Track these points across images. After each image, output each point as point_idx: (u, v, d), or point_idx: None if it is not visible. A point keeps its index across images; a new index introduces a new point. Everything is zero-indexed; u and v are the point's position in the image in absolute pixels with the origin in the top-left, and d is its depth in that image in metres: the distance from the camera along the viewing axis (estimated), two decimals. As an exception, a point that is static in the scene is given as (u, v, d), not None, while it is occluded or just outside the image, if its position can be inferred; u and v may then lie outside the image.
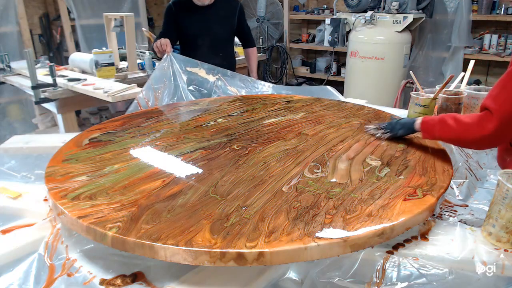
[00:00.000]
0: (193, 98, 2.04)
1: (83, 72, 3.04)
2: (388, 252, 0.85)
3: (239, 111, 1.67)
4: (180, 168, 1.12)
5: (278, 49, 5.05)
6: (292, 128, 1.45)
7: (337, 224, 0.83)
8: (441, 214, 1.03)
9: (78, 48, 4.51)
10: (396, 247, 0.87)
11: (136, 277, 0.83)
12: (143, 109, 1.81)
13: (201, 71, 2.17)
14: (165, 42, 2.26)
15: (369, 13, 3.61)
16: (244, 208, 0.89)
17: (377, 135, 1.32)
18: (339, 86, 4.56)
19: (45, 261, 0.87)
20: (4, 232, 0.98)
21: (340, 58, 4.80)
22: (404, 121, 1.28)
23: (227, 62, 2.59)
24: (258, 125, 1.48)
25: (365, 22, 3.63)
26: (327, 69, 4.82)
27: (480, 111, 1.05)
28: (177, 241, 0.77)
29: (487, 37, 4.02)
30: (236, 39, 2.83)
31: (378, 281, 0.82)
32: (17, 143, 1.50)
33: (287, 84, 5.12)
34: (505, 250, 0.84)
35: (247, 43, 2.75)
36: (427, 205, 0.90)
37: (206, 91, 2.14)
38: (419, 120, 1.21)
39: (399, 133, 1.27)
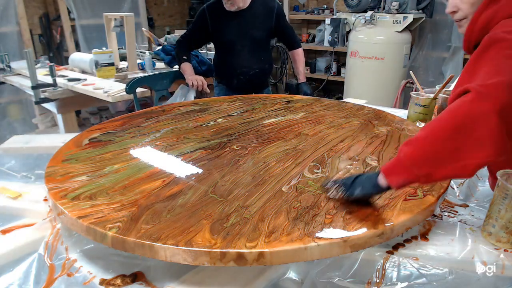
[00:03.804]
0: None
1: (83, 72, 3.04)
2: (388, 252, 0.85)
3: (239, 111, 1.66)
4: (180, 168, 1.12)
5: (278, 49, 5.04)
6: (292, 128, 1.45)
7: (337, 224, 0.83)
8: (441, 214, 1.03)
9: (78, 48, 4.51)
10: (396, 247, 0.87)
11: (136, 277, 0.83)
12: (143, 109, 1.81)
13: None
14: (202, 81, 2.35)
15: (369, 13, 3.61)
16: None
17: (329, 194, 0.93)
18: (339, 86, 4.57)
19: (45, 261, 0.87)
20: (4, 232, 0.98)
21: (340, 58, 4.80)
22: (366, 175, 0.89)
23: (269, 65, 2.54)
24: (258, 125, 1.48)
25: (365, 22, 3.63)
26: (327, 69, 4.82)
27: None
28: (177, 241, 0.77)
29: (487, 37, 4.01)
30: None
31: (378, 281, 0.82)
32: (17, 143, 1.50)
33: (287, 84, 5.12)
34: (505, 250, 0.84)
35: (292, 44, 2.58)
36: (427, 205, 0.90)
37: None
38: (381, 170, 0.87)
39: (356, 193, 0.88)
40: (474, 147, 0.75)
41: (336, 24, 3.88)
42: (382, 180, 0.84)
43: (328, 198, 0.93)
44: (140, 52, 3.44)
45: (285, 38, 2.59)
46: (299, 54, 2.57)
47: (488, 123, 0.74)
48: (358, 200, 0.89)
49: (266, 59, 2.53)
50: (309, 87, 2.54)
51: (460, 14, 1.00)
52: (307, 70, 4.99)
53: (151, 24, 5.35)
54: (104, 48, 2.97)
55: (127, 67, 3.13)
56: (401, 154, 0.82)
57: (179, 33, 3.80)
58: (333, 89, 5.06)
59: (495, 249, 0.85)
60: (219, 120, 1.55)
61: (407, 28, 3.64)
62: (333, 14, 4.25)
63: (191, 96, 2.31)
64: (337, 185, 0.91)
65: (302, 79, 2.55)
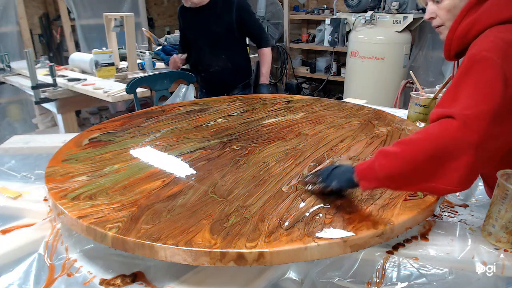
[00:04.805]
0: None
1: (83, 72, 3.04)
2: (388, 252, 0.85)
3: (239, 111, 1.66)
4: (180, 168, 1.12)
5: (278, 49, 5.04)
6: (292, 128, 1.45)
7: (337, 224, 0.83)
8: (441, 214, 1.03)
9: (78, 48, 4.51)
10: (396, 247, 0.87)
11: (136, 277, 0.83)
12: (143, 109, 1.81)
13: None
14: (174, 59, 2.48)
15: (369, 13, 3.61)
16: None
17: (307, 187, 0.97)
18: (339, 86, 4.56)
19: (45, 261, 0.87)
20: (4, 232, 0.98)
21: (340, 58, 4.80)
22: (343, 169, 0.91)
23: (233, 64, 2.47)
24: (258, 125, 1.48)
25: (365, 22, 3.63)
26: (327, 69, 4.82)
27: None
28: (177, 241, 0.77)
29: (487, 37, 4.00)
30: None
31: (378, 281, 0.82)
32: (17, 143, 1.50)
33: (287, 84, 5.12)
34: (505, 250, 0.84)
35: (258, 43, 2.48)
36: (427, 205, 0.90)
37: None
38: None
39: (331, 186, 0.91)
40: (447, 175, 0.78)
41: (336, 24, 3.88)
42: (356, 179, 0.87)
43: (306, 191, 0.97)
44: (140, 52, 3.44)
45: (250, 36, 2.51)
46: (264, 54, 2.48)
47: (467, 156, 0.76)
48: (332, 192, 0.93)
49: (230, 57, 2.45)
50: (269, 90, 2.46)
51: (438, 20, 1.00)
52: (307, 70, 4.99)
53: (151, 24, 5.34)
54: (104, 48, 2.97)
55: (127, 67, 3.13)
56: (376, 164, 0.83)
57: (179, 33, 3.81)
58: (333, 89, 5.06)
59: (495, 249, 0.85)
60: (219, 120, 1.55)
61: (407, 28, 3.64)
62: (333, 14, 4.25)
63: (191, 96, 2.31)
64: (315, 176, 0.95)
65: (262, 80, 2.47)
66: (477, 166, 0.78)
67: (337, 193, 0.94)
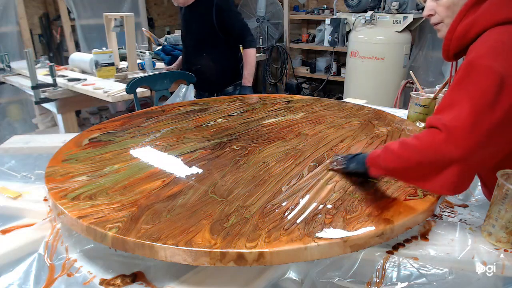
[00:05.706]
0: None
1: (83, 72, 3.04)
2: (388, 252, 0.85)
3: (239, 111, 1.67)
4: (180, 168, 1.12)
5: (278, 49, 5.04)
6: (292, 128, 1.45)
7: (337, 224, 0.83)
8: (441, 214, 1.03)
9: (78, 48, 4.51)
10: (396, 247, 0.87)
11: (136, 277, 0.83)
12: (143, 109, 1.81)
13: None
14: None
15: (369, 13, 3.61)
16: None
17: (330, 166, 1.11)
18: (339, 86, 4.56)
19: (45, 261, 0.87)
20: (4, 232, 0.98)
21: (340, 58, 4.80)
22: (361, 155, 1.03)
23: (217, 64, 2.50)
24: (258, 125, 1.48)
25: (365, 22, 3.63)
26: (327, 69, 4.82)
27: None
28: (177, 241, 0.77)
29: (487, 37, 4.00)
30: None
31: (378, 281, 0.82)
32: (17, 143, 1.50)
33: (287, 84, 5.12)
34: (505, 250, 0.84)
35: (242, 43, 2.48)
36: (427, 205, 0.90)
37: None
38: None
39: (350, 167, 1.03)
40: (436, 182, 0.81)
41: (336, 24, 3.88)
42: (367, 165, 0.96)
43: (329, 169, 1.10)
44: (140, 52, 3.44)
45: (233, 36, 2.48)
46: (246, 55, 2.46)
47: (453, 169, 0.78)
48: (355, 173, 1.03)
49: (214, 57, 2.47)
50: (251, 93, 2.42)
51: (437, 17, 0.99)
52: (307, 70, 4.99)
53: (151, 24, 5.34)
54: (104, 48, 2.97)
55: (127, 67, 3.13)
56: (381, 157, 0.90)
57: (179, 33, 3.81)
58: (333, 89, 5.06)
59: (495, 249, 0.85)
60: (219, 120, 1.55)
61: (407, 28, 3.64)
62: (333, 14, 4.25)
63: (191, 96, 2.32)
64: (339, 158, 1.09)
65: (244, 82, 2.46)
66: (468, 173, 0.80)
67: (358, 175, 1.03)
